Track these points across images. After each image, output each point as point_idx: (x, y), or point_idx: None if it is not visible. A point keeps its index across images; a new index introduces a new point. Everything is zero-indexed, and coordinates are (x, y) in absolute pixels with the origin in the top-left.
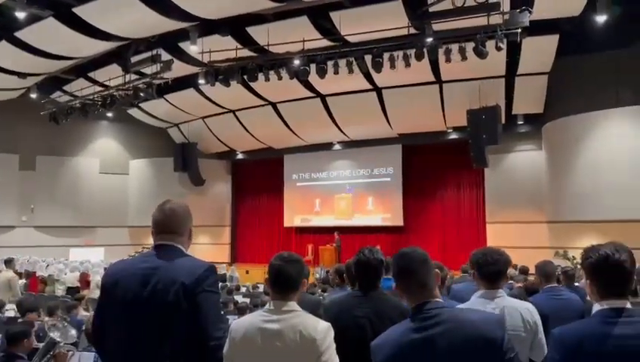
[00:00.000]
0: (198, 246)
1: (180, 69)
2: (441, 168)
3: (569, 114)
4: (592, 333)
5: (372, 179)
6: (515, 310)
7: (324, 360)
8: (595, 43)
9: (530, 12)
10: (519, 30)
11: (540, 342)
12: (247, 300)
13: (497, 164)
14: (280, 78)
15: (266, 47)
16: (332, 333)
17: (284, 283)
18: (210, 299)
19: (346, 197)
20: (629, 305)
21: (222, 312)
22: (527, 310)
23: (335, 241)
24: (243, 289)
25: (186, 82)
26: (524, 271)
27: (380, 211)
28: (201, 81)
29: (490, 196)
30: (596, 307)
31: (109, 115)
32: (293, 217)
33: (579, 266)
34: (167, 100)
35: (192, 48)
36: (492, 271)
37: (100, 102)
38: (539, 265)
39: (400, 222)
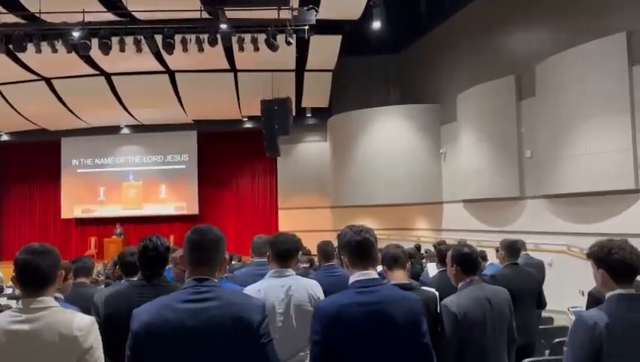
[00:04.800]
0: None
1: None
2: (236, 156)
3: (349, 109)
4: (347, 302)
5: (165, 166)
6: (302, 287)
7: (88, 358)
8: (372, 47)
9: (316, 11)
10: (307, 27)
11: None
12: (13, 302)
13: (289, 153)
14: (55, 51)
15: (38, 15)
16: (96, 327)
17: (33, 278)
18: None
19: (135, 185)
20: (375, 275)
21: None
22: (312, 287)
23: (115, 233)
24: (8, 291)
25: None
26: (307, 252)
27: (174, 200)
28: None
29: (282, 183)
30: (351, 279)
31: None
32: (73, 207)
33: None
34: None
35: None
36: (282, 249)
37: None
38: (319, 246)
39: (195, 211)
